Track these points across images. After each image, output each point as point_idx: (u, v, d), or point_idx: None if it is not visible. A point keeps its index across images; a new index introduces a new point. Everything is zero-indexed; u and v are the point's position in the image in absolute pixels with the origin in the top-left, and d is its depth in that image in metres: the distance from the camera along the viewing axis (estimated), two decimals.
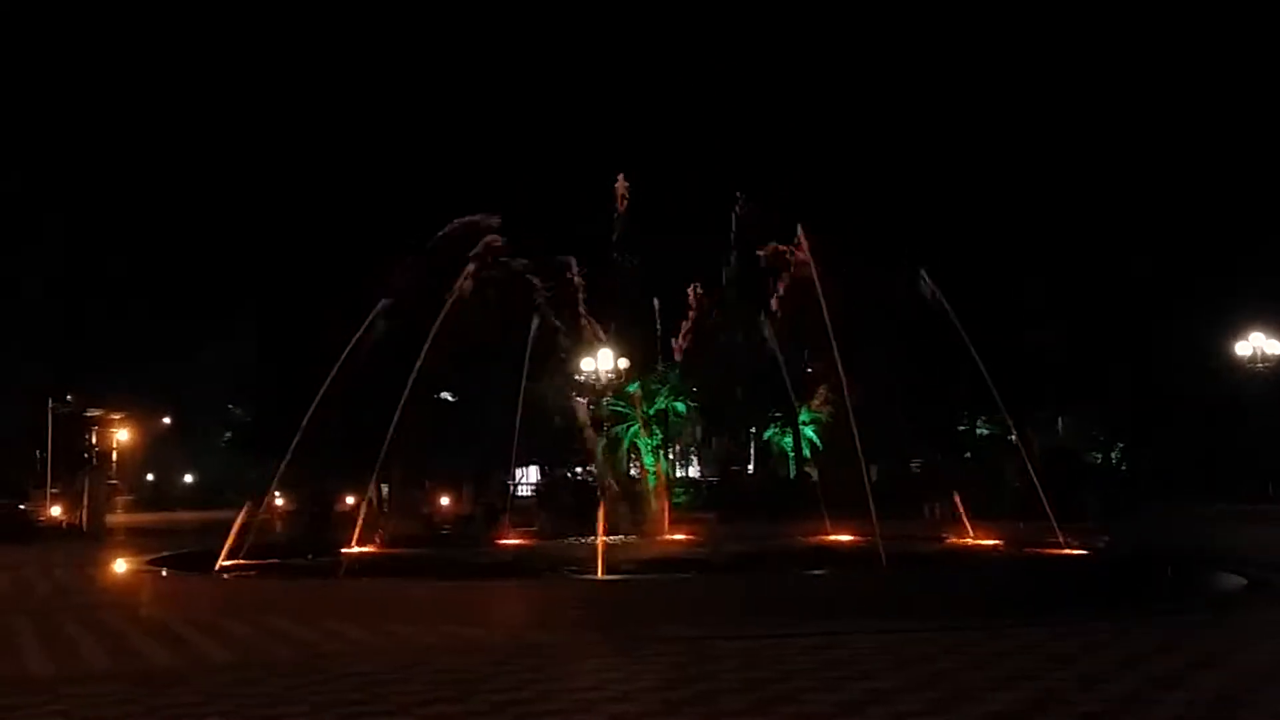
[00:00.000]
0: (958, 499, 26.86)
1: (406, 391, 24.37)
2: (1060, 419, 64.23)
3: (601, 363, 32.16)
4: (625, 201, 29.14)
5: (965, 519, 25.86)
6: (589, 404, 30.80)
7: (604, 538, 20.99)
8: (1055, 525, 22.84)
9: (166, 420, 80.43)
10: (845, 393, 22.72)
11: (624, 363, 32.79)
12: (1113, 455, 64.33)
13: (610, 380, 32.64)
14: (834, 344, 22.16)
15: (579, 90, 61.69)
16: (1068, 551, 22.34)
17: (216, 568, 22.36)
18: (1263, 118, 51.61)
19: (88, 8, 66.59)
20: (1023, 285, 54.11)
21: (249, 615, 18.05)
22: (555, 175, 51.46)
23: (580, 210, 29.47)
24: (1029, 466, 25.78)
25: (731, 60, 60.02)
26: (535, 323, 27.81)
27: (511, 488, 51.23)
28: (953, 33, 58.29)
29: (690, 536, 26.88)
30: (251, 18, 67.74)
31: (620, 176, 29.35)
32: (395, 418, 24.19)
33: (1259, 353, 41.01)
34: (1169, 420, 55.51)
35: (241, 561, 22.89)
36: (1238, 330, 42.86)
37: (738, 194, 27.95)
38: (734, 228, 28.24)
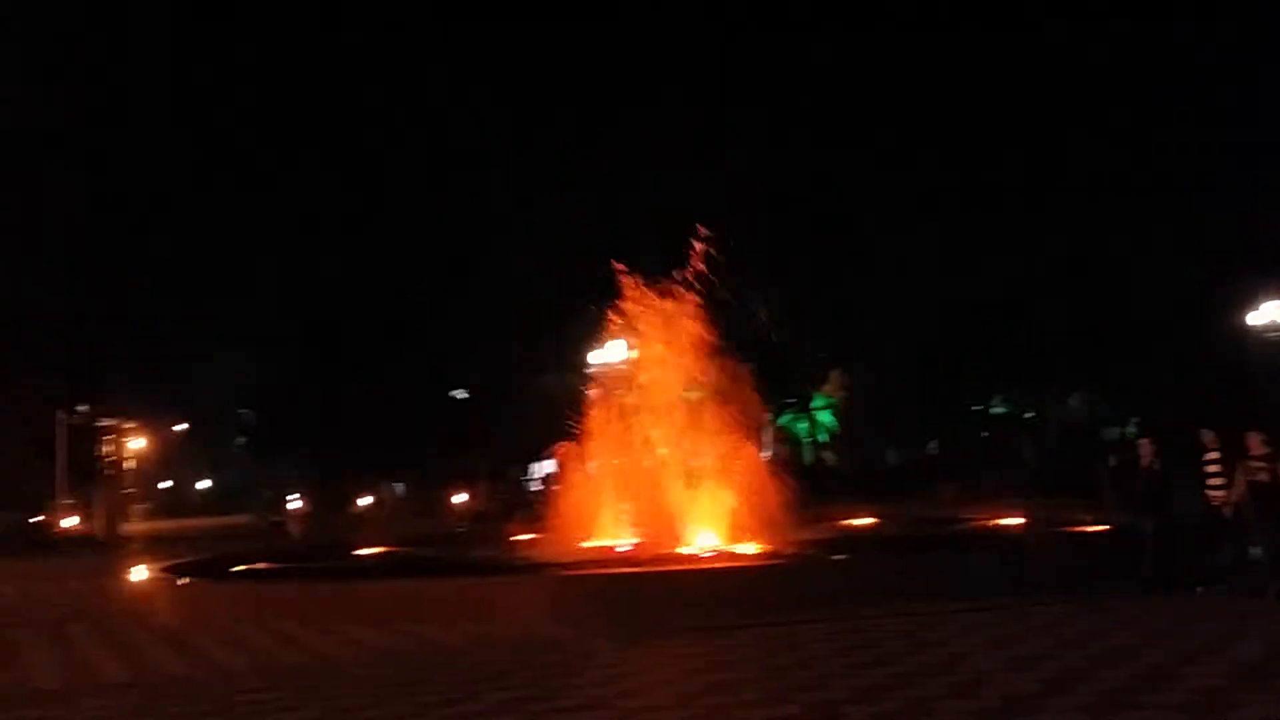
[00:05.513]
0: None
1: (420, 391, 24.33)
2: (1075, 395, 63.82)
3: (613, 354, 31.98)
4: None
5: (983, 498, 25.69)
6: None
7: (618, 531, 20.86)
8: (1074, 502, 22.66)
9: (181, 427, 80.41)
10: (860, 377, 22.54)
11: (635, 353, 32.55)
12: (1129, 430, 63.85)
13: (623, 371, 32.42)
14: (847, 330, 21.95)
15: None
16: (1086, 529, 22.14)
17: (231, 573, 22.33)
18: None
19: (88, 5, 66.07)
20: (1032, 259, 53.62)
21: (264, 621, 17.93)
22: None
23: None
24: (1046, 444, 25.59)
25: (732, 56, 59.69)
26: None
27: (528, 483, 51.21)
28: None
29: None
30: (247, 16, 67.46)
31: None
32: (409, 417, 24.16)
33: (1274, 323, 40.56)
34: (1184, 393, 55.03)
35: (257, 566, 22.86)
36: (1252, 300, 42.44)
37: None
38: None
